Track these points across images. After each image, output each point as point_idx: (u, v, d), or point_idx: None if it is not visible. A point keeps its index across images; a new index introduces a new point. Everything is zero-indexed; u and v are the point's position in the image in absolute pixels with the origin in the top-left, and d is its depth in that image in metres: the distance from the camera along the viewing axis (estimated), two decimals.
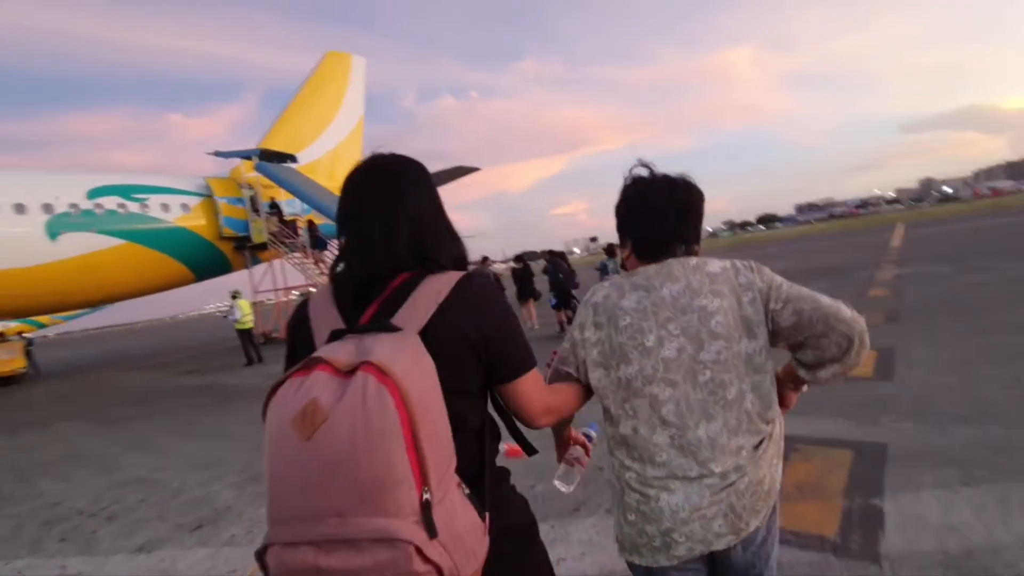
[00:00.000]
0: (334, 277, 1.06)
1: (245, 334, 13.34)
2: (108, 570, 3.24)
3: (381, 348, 0.84)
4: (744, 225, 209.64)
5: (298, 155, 22.71)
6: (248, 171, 19.14)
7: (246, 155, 18.59)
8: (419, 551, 0.76)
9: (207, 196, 18.62)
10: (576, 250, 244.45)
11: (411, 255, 1.01)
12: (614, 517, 1.24)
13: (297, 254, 18.42)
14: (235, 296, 13.92)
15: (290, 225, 18.88)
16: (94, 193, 16.21)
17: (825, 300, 1.16)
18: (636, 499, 1.16)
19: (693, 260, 1.21)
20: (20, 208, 14.78)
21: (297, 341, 1.04)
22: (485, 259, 12.46)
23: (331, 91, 24.39)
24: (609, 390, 1.18)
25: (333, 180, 23.68)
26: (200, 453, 5.41)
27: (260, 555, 0.81)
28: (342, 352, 0.85)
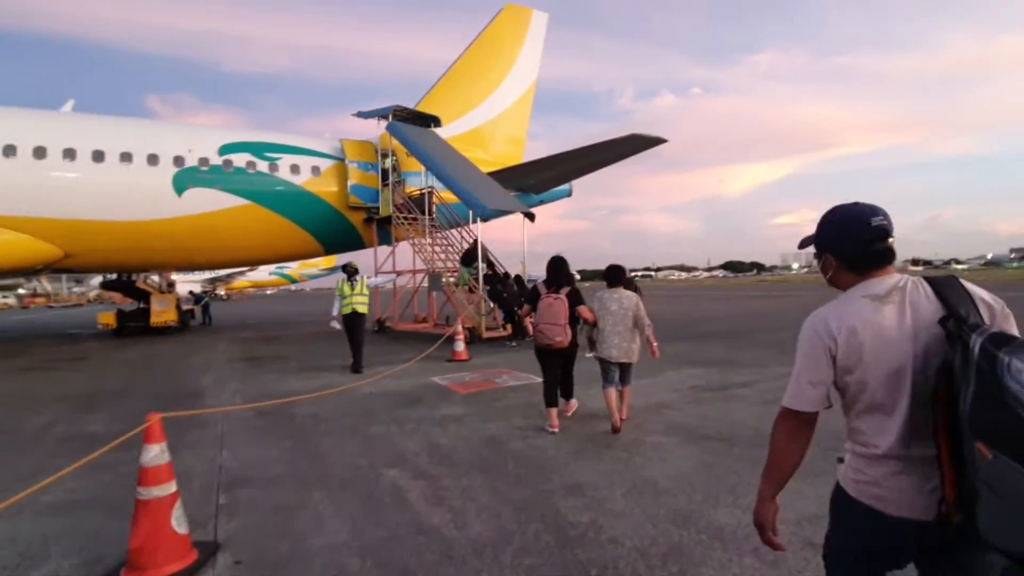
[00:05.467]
0: (546, 281, 5.52)
1: (351, 323, 9.17)
2: None
3: (561, 293, 5.35)
4: None
5: (462, 120, 20.01)
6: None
7: (383, 113, 16.11)
8: (564, 329, 5.24)
9: (340, 160, 16.70)
10: (795, 265, 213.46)
11: (565, 283, 5.45)
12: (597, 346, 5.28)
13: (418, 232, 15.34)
14: (347, 272, 9.44)
15: (418, 200, 15.95)
16: (226, 149, 15.20)
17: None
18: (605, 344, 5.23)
19: (622, 290, 5.39)
20: (152, 159, 14.23)
21: (535, 294, 5.57)
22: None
23: (503, 50, 21.01)
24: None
25: (489, 152, 20.53)
26: None
27: (535, 327, 5.40)
28: (556, 294, 5.34)
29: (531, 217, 14.18)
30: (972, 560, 1.39)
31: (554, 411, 5.31)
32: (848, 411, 1.58)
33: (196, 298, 25.75)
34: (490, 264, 14.54)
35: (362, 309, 9.21)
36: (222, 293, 64.79)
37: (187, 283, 48.66)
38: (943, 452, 1.33)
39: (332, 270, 70.68)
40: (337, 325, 9.17)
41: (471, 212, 14.81)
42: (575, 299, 5.37)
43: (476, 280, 13.72)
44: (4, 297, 68.48)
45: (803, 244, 1.74)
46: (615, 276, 5.45)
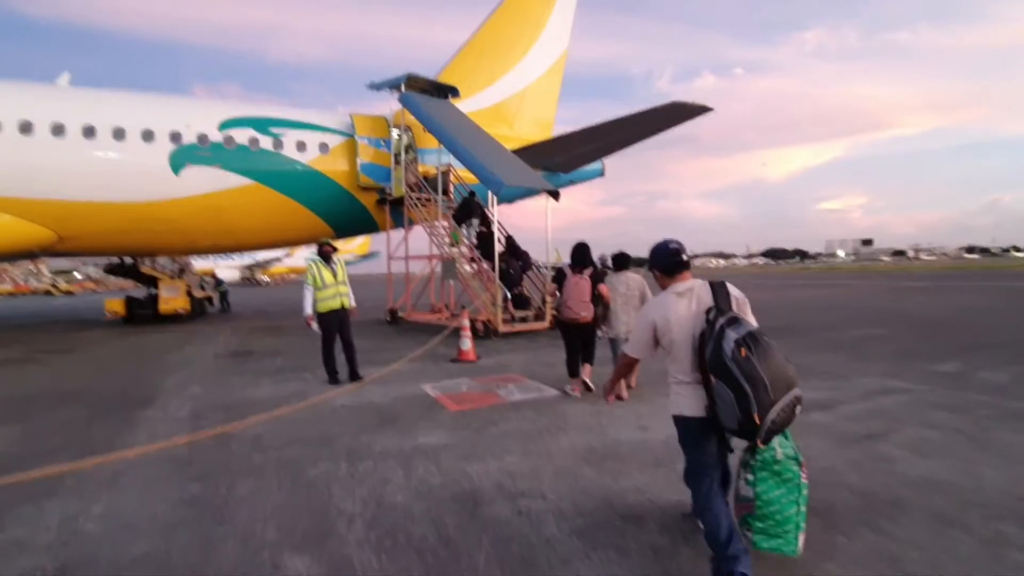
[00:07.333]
0: (571, 264, 6.33)
1: (340, 321, 7.25)
2: None
3: (584, 274, 6.22)
4: None
5: (485, 93, 18.38)
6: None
7: (396, 83, 14.65)
8: (587, 305, 6.18)
9: (350, 136, 15.37)
10: (840, 253, 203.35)
11: (590, 265, 6.36)
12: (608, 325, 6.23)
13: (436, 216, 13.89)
14: (323, 254, 7.38)
15: (434, 179, 14.48)
16: (227, 124, 14.06)
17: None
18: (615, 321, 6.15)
19: (630, 272, 6.29)
20: (148, 135, 13.21)
21: (561, 275, 6.34)
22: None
23: (530, 16, 19.18)
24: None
25: (515, 129, 18.88)
26: None
27: (557, 308, 6.52)
28: (580, 275, 6.18)
29: (556, 196, 12.53)
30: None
31: (577, 380, 6.19)
32: (669, 360, 2.70)
33: (217, 283, 25.19)
34: (484, 221, 13.14)
35: (348, 301, 7.32)
36: (265, 279, 65.28)
37: (226, 268, 48.99)
38: (704, 380, 2.52)
39: (366, 257, 69.82)
40: (316, 326, 7.13)
41: (491, 193, 13.32)
42: (597, 279, 6.15)
43: (470, 240, 12.59)
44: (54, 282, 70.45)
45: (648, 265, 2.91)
46: (623, 261, 6.38)
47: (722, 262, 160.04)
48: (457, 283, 13.68)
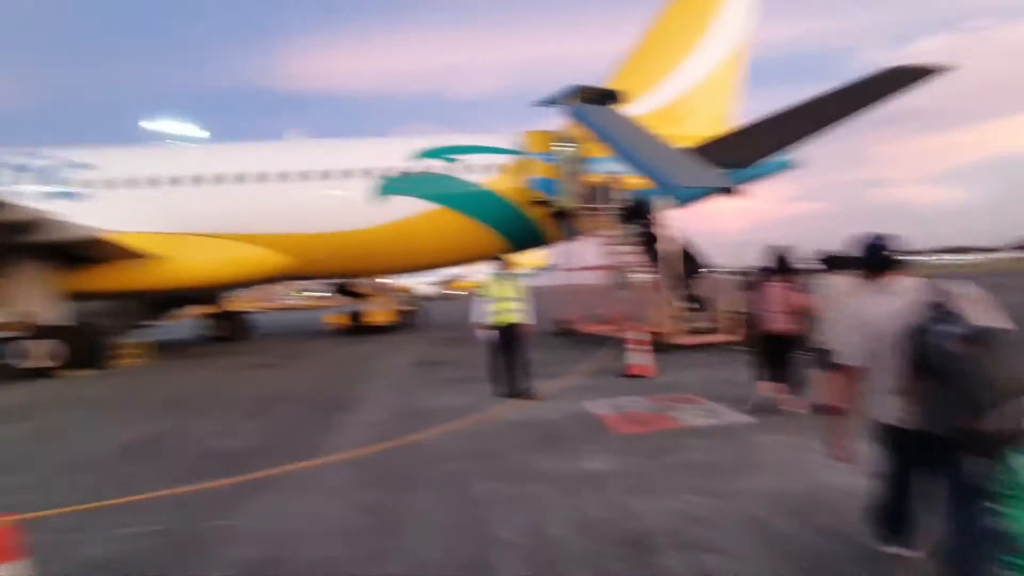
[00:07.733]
0: (770, 269, 5.68)
1: (509, 337, 7.25)
2: None
3: (785, 281, 5.51)
4: None
5: (654, 93, 17.62)
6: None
7: (560, 97, 14.75)
8: (786, 319, 5.42)
9: (521, 154, 15.91)
10: None
11: (792, 271, 5.67)
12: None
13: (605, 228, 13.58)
14: (498, 269, 7.80)
15: (602, 189, 14.19)
16: (417, 155, 15.67)
17: None
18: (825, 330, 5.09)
19: (839, 275, 5.08)
20: (357, 173, 15.38)
21: (756, 282, 5.82)
22: None
23: (703, 10, 17.86)
24: None
25: (689, 126, 17.61)
26: None
27: (750, 318, 5.98)
28: (780, 282, 5.51)
29: (736, 193, 11.32)
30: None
31: (771, 386, 5.60)
32: (872, 363, 2.58)
33: (419, 298, 28.21)
34: (650, 223, 12.37)
35: (523, 317, 7.25)
36: (457, 293, 72.02)
37: (425, 285, 55.38)
38: (909, 384, 2.34)
39: (545, 269, 72.68)
40: (484, 335, 7.27)
41: (666, 196, 12.55)
42: (799, 287, 5.50)
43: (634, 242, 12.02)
44: (306, 301, 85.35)
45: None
46: (833, 263, 5.60)
47: (965, 257, 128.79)
48: (629, 293, 13.17)
